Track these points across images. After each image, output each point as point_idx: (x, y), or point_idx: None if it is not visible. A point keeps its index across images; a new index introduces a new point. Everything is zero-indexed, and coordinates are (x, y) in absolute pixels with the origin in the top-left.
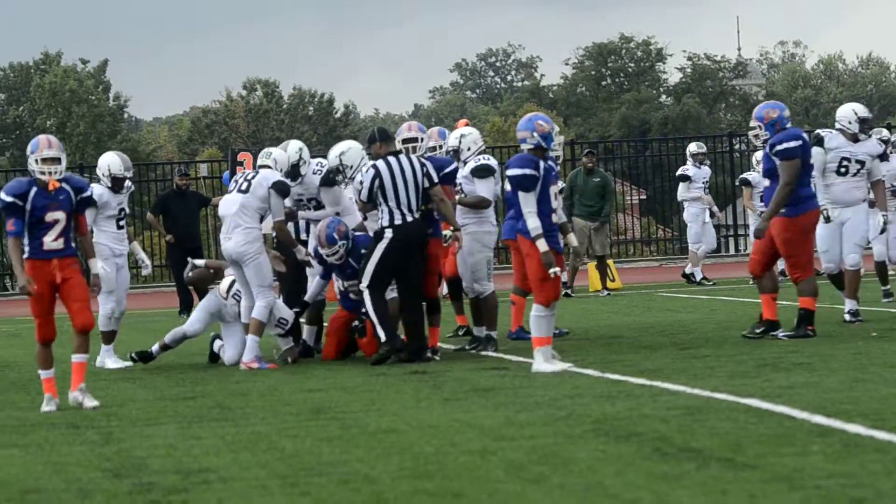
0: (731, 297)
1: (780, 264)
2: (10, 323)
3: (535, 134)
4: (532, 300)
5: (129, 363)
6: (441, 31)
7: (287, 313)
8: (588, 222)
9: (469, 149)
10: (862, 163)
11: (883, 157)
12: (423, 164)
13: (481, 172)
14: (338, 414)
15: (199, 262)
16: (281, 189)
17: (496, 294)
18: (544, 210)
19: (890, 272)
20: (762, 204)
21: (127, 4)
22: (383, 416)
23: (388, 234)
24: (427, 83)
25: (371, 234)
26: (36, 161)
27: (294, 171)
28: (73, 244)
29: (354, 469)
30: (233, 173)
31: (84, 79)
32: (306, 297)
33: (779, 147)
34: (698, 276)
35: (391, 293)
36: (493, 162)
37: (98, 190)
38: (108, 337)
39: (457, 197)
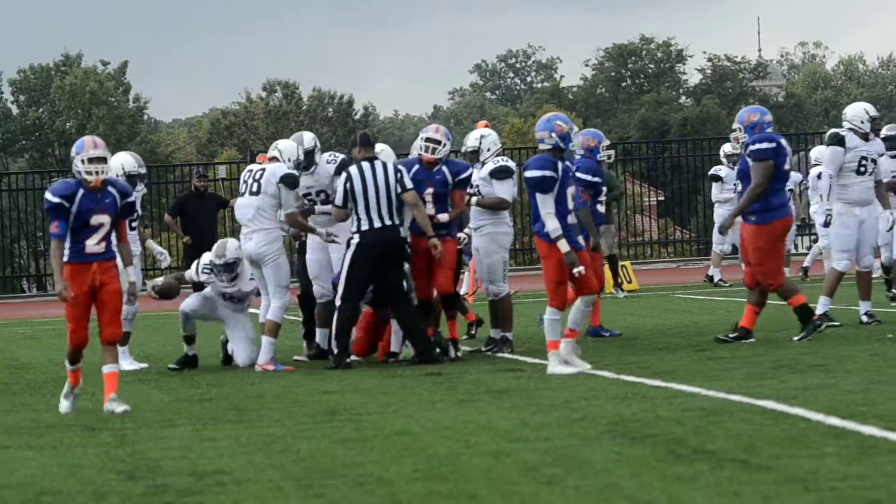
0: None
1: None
2: (26, 325)
3: (553, 134)
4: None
5: (144, 365)
6: (461, 33)
7: None
8: None
9: (489, 149)
10: (875, 161)
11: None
12: (397, 171)
13: (500, 174)
14: (353, 416)
15: (158, 279)
16: (289, 182)
17: (510, 296)
18: (561, 210)
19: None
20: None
21: (147, 6)
22: (398, 417)
23: (356, 239)
24: (447, 84)
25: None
26: (82, 161)
27: (309, 159)
28: (113, 248)
29: (369, 471)
30: None
31: (104, 80)
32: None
33: (752, 147)
34: (716, 278)
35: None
36: (511, 164)
37: None
38: (123, 338)
39: (474, 199)
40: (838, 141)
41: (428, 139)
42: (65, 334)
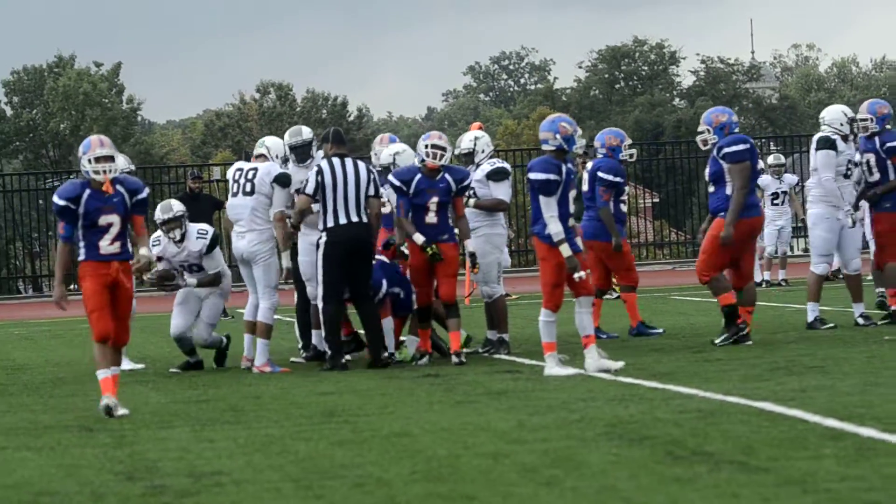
0: None
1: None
2: (22, 326)
3: (557, 136)
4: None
5: (141, 366)
6: (454, 35)
7: None
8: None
9: (483, 151)
10: (856, 164)
11: None
12: (370, 172)
13: (497, 176)
14: (350, 417)
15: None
16: (282, 181)
17: (504, 297)
18: (563, 213)
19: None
20: None
21: (140, 8)
22: (396, 419)
23: (324, 238)
24: (440, 86)
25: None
26: (89, 161)
27: (306, 151)
28: (129, 249)
29: (367, 472)
30: None
31: (97, 82)
32: None
33: (727, 150)
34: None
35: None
36: (507, 165)
37: None
38: None
39: (472, 201)
40: (831, 145)
41: (434, 146)
42: (61, 335)
